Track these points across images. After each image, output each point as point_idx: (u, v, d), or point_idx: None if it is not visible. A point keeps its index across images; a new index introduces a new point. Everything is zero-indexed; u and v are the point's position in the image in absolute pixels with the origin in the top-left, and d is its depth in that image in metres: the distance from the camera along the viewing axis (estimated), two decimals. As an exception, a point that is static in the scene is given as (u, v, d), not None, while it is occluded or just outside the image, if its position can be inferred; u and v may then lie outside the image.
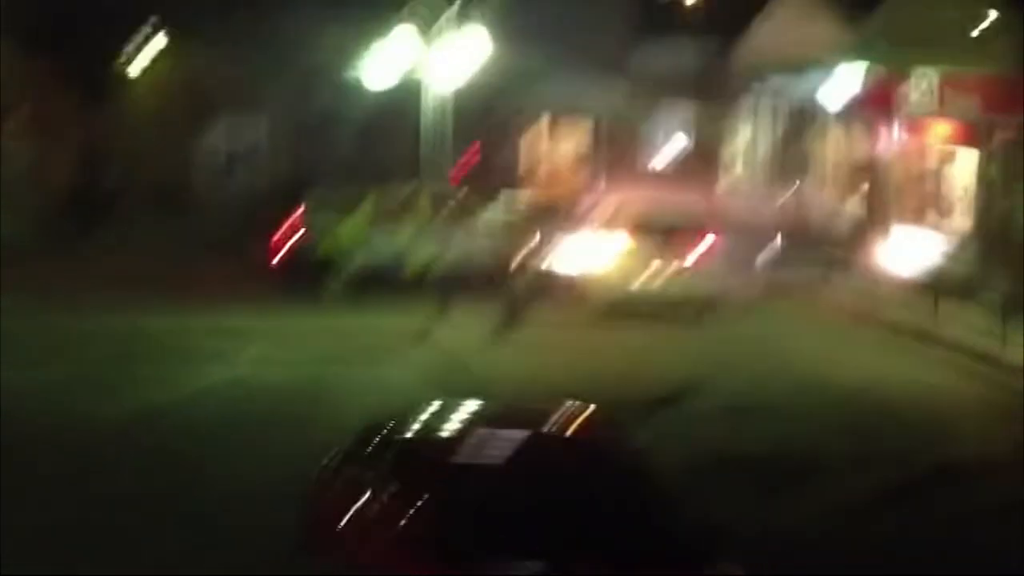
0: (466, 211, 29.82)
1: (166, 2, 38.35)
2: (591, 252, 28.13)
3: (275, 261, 29.90)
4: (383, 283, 29.42)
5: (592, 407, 12.92)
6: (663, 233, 27.50)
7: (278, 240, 30.00)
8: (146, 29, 39.48)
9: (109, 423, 19.55)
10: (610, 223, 28.13)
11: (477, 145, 39.25)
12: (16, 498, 15.99)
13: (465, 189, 30.42)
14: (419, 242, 29.61)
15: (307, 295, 28.83)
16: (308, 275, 29.45)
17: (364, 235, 29.87)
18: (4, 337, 24.37)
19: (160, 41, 40.19)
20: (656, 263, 27.26)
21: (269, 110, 42.52)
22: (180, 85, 41.23)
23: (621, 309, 27.19)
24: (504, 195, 28.26)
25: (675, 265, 27.28)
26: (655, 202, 28.54)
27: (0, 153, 43.13)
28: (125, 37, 38.95)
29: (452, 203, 29.58)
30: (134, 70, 39.50)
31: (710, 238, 27.61)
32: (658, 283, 27.26)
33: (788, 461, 18.49)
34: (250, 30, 41.01)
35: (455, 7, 26.22)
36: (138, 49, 39.72)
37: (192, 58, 41.08)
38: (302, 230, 29.84)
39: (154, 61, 40.67)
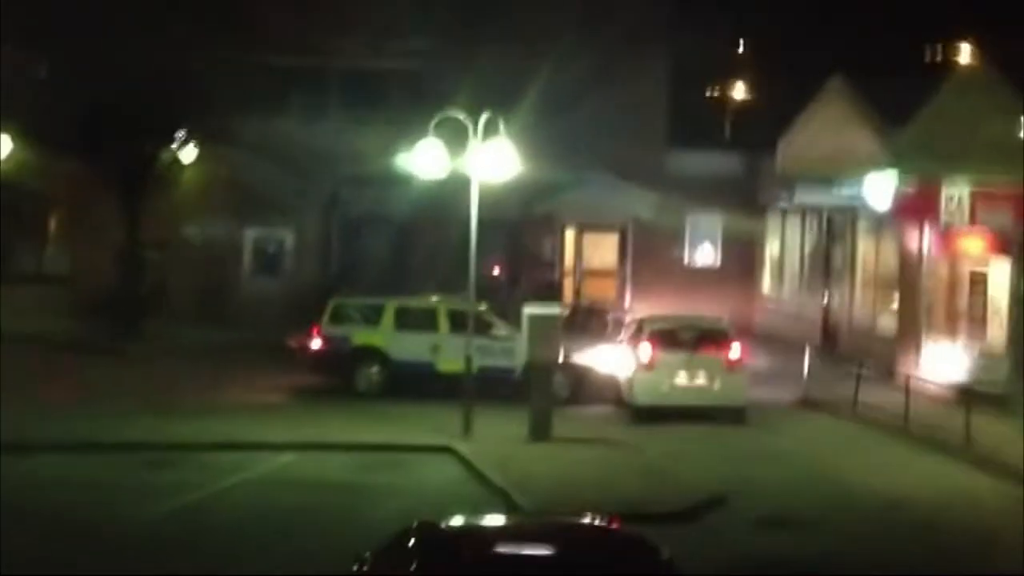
0: (484, 323, 30.29)
1: (200, 108, 38.69)
2: (626, 358, 29.71)
3: (308, 358, 30.71)
4: (409, 383, 29.85)
5: (617, 523, 12.84)
6: (694, 342, 29.31)
7: (309, 340, 30.69)
8: (180, 134, 39.83)
9: (145, 522, 19.65)
10: (644, 331, 29.76)
11: (497, 260, 39.65)
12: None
13: (483, 304, 30.98)
14: (442, 349, 30.18)
15: (340, 387, 29.77)
16: (339, 371, 30.26)
17: (390, 339, 30.36)
18: (41, 433, 24.66)
19: (194, 146, 40.54)
20: (687, 370, 28.80)
21: (303, 213, 42.75)
22: (215, 188, 41.52)
23: (654, 412, 28.50)
24: (535, 303, 28.39)
25: (706, 372, 28.74)
26: (685, 313, 30.83)
27: (42, 256, 43.52)
28: (161, 142, 39.29)
29: (471, 315, 30.08)
30: (170, 174, 39.83)
31: (738, 347, 29.14)
32: (690, 389, 28.73)
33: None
34: (283, 135, 41.38)
35: (484, 119, 26.36)
36: (173, 154, 40.08)
37: (226, 162, 41.42)
38: (329, 331, 30.54)
39: (189, 165, 41.00)
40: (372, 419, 27.45)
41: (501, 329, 30.57)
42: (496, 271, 42.03)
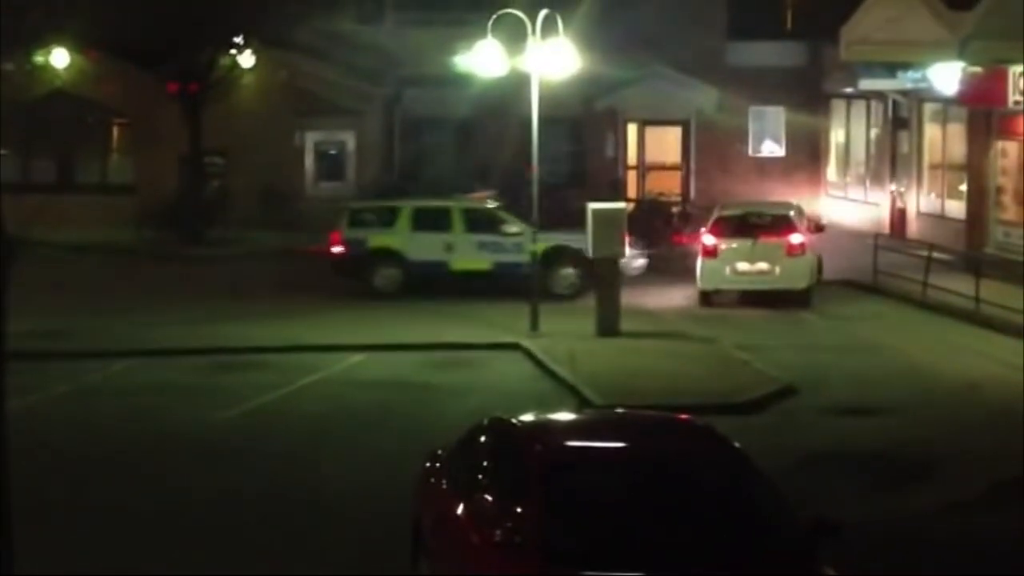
0: (497, 220, 30.57)
1: (258, 13, 38.61)
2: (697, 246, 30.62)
3: (330, 262, 30.98)
4: (423, 282, 30.14)
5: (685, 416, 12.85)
6: (756, 228, 30.30)
7: (330, 245, 30.98)
8: (239, 40, 39.77)
9: (219, 424, 19.91)
10: (714, 221, 30.68)
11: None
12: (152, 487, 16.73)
13: (497, 202, 31.60)
14: (456, 248, 30.41)
15: (360, 288, 29.94)
16: (358, 273, 30.47)
17: (406, 240, 30.56)
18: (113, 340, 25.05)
19: (253, 52, 40.49)
20: (749, 255, 29.71)
21: (364, 116, 42.69)
22: (275, 93, 41.51)
23: (723, 297, 29.86)
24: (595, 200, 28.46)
25: (767, 258, 29.62)
26: (755, 200, 32.13)
27: (106, 166, 43.74)
28: (219, 49, 39.26)
29: (488, 215, 30.78)
30: (229, 80, 39.83)
31: (800, 233, 29.97)
32: (751, 274, 29.66)
33: (901, 459, 18.33)
34: (342, 38, 41.25)
35: (543, 16, 26.15)
36: (233, 60, 40.05)
37: (285, 66, 41.37)
38: (348, 235, 30.75)
39: (248, 71, 40.98)
40: (436, 318, 27.54)
41: (513, 226, 30.54)
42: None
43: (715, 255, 29.78)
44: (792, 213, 31.00)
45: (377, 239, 30.65)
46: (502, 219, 30.84)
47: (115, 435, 19.54)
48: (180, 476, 17.47)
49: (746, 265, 29.69)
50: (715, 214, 31.08)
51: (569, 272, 30.22)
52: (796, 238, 29.80)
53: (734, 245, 29.76)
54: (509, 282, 29.55)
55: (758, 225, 30.46)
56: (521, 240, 29.92)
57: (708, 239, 29.98)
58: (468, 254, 30.30)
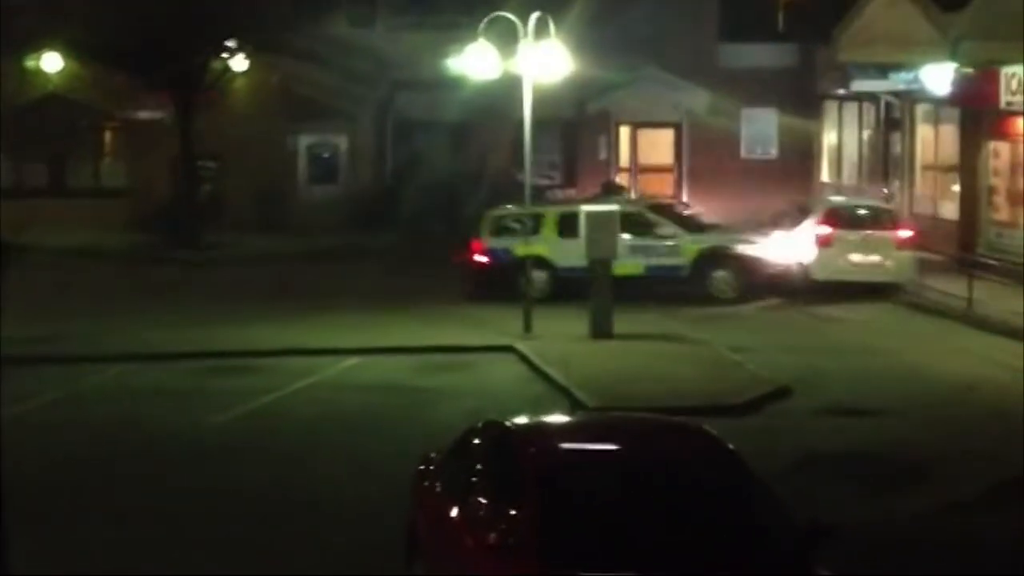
0: (648, 223, 30.41)
1: (251, 17, 38.61)
2: (800, 243, 30.89)
3: (474, 272, 30.41)
4: (575, 289, 29.05)
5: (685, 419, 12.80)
6: (867, 222, 31.33)
7: (471, 255, 30.50)
8: (232, 44, 39.77)
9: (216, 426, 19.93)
10: (827, 212, 31.66)
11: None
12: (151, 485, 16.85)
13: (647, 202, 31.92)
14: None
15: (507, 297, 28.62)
16: (505, 283, 29.25)
17: (554, 247, 30.11)
18: (106, 343, 25.08)
19: (246, 55, 40.49)
20: (862, 248, 30.60)
21: (356, 119, 42.70)
22: (268, 97, 41.51)
23: (832, 290, 30.20)
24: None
25: (879, 250, 30.62)
26: (855, 201, 33.40)
27: (99, 170, 43.72)
28: (212, 53, 39.27)
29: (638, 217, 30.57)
30: (222, 84, 39.84)
31: (906, 231, 31.18)
32: (864, 266, 30.53)
33: (896, 460, 18.32)
34: (334, 41, 41.24)
35: (535, 18, 26.16)
36: (225, 64, 40.05)
37: (278, 70, 41.37)
38: (492, 244, 30.34)
39: (241, 75, 40.99)
40: (433, 321, 27.52)
41: (667, 228, 30.38)
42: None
43: (830, 245, 30.37)
44: (893, 208, 32.61)
45: (523, 247, 29.55)
46: (654, 221, 30.60)
47: (109, 439, 19.50)
48: (175, 480, 17.44)
49: (860, 257, 30.42)
50: (823, 205, 32.17)
51: (726, 275, 30.00)
52: (904, 232, 30.88)
53: (848, 236, 30.51)
54: (664, 286, 29.59)
55: (869, 218, 31.38)
56: (676, 243, 29.83)
57: (823, 229, 30.57)
58: (620, 258, 28.85)
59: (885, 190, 38.92)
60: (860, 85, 38.48)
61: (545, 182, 40.68)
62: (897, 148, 39.13)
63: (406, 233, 39.20)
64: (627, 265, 29.26)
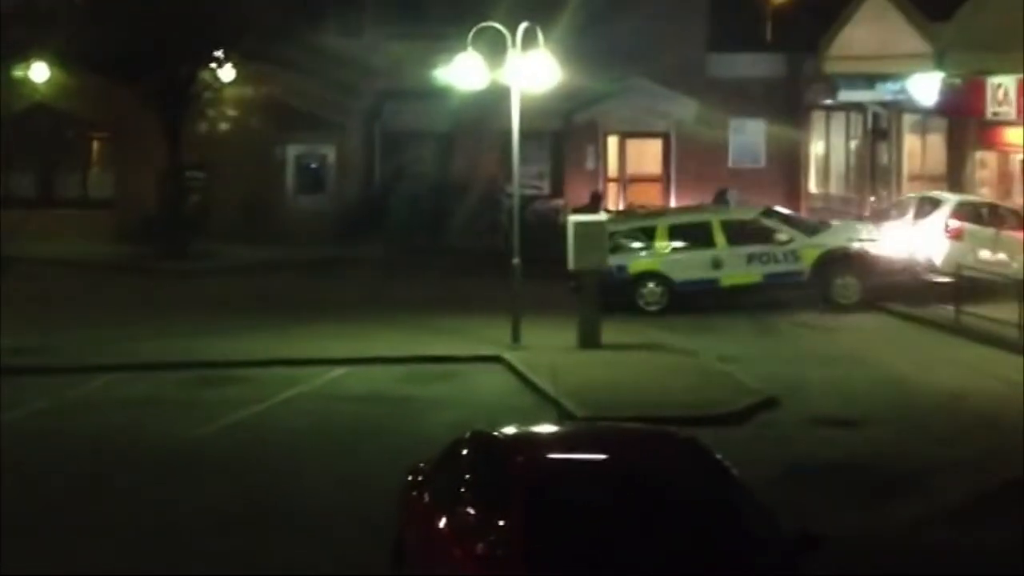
0: (765, 230, 30.25)
1: (238, 27, 38.58)
2: (933, 234, 30.61)
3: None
4: (692, 301, 29.61)
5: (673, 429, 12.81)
6: (996, 220, 31.15)
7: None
8: (219, 54, 39.71)
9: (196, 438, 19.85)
10: (957, 206, 31.21)
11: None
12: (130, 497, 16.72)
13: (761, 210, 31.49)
14: (724, 263, 29.92)
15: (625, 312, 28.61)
16: (623, 298, 29.01)
17: (668, 261, 29.97)
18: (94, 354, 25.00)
19: (233, 65, 40.42)
20: (992, 245, 30.51)
21: (344, 129, 42.69)
22: (255, 107, 41.44)
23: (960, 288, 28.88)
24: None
25: (1007, 249, 30.52)
26: (984, 199, 32.75)
27: (86, 180, 43.65)
28: (199, 63, 39.20)
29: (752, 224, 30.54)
30: (209, 94, 39.78)
31: None
32: (992, 263, 30.08)
33: (884, 470, 18.31)
34: (322, 51, 41.19)
35: (523, 28, 26.16)
36: (213, 74, 39.98)
37: (265, 80, 41.31)
38: None
39: (228, 85, 40.93)
40: (421, 331, 27.46)
41: (783, 234, 30.20)
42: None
43: (961, 238, 30.25)
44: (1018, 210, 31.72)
45: (638, 264, 29.60)
46: (770, 227, 30.39)
47: (94, 450, 19.44)
48: (160, 490, 17.39)
49: (988, 254, 30.24)
50: (953, 200, 31.34)
51: (849, 280, 29.82)
52: None
53: (979, 232, 30.42)
54: (784, 292, 29.62)
55: (999, 217, 31.16)
56: (794, 247, 29.72)
57: (954, 222, 30.38)
58: (737, 268, 29.51)
59: (873, 199, 38.97)
60: (847, 95, 38.54)
61: (533, 192, 40.71)
62: (884, 158, 39.16)
63: (394, 243, 39.21)
64: (744, 274, 29.41)
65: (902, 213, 32.09)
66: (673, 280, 29.89)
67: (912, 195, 34.57)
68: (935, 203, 31.55)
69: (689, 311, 29.25)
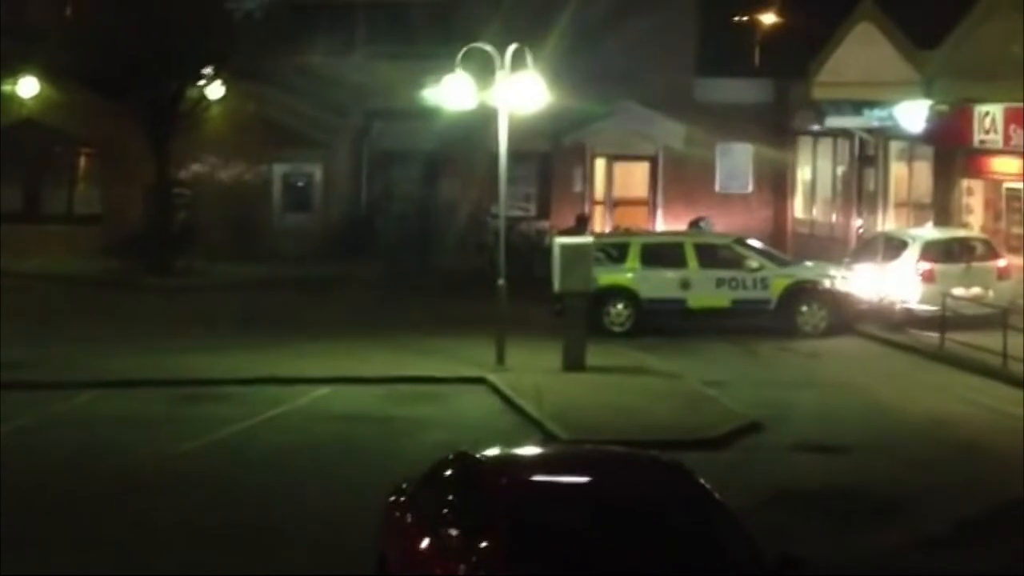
0: (736, 256, 30.36)
1: (227, 45, 38.63)
2: (903, 276, 30.46)
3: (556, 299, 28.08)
4: (658, 321, 29.69)
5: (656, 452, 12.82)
6: (965, 253, 30.98)
7: None
8: (208, 71, 39.72)
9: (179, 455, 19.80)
10: (910, 248, 30.86)
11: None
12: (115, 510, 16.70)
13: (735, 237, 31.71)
14: (692, 285, 29.98)
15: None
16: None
17: (637, 278, 30.05)
18: (78, 370, 24.94)
19: (222, 83, 40.43)
20: (964, 280, 30.18)
21: (332, 148, 42.69)
22: (243, 125, 41.45)
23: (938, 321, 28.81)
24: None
25: (980, 282, 30.38)
26: (951, 233, 32.35)
27: (73, 196, 43.58)
28: (188, 80, 39.21)
29: (724, 249, 30.64)
30: (198, 112, 39.78)
31: (1004, 260, 30.89)
32: (970, 299, 29.70)
33: (868, 496, 18.32)
34: (311, 70, 41.22)
35: (512, 50, 26.21)
36: (201, 91, 39.99)
37: (254, 98, 41.32)
38: None
39: (217, 102, 40.94)
40: (406, 351, 27.46)
41: (753, 261, 30.30)
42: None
43: (933, 280, 29.91)
44: (988, 239, 31.70)
45: (606, 277, 29.62)
46: (742, 254, 30.49)
47: (77, 467, 19.40)
48: (141, 508, 17.34)
49: (962, 290, 29.78)
50: (919, 240, 30.91)
51: (815, 311, 29.85)
52: (1003, 262, 30.64)
53: (950, 271, 30.11)
54: (750, 320, 29.58)
55: (968, 248, 31.07)
56: (764, 275, 29.79)
57: (924, 264, 30.16)
58: (705, 291, 29.65)
59: (859, 224, 39.04)
60: (834, 121, 38.62)
61: (519, 214, 40.76)
62: (871, 184, 39.24)
63: (380, 262, 39.20)
64: (713, 297, 29.46)
65: (872, 253, 32.05)
66: (640, 297, 29.96)
67: (880, 231, 34.64)
68: (901, 244, 31.31)
69: (662, 333, 29.25)
